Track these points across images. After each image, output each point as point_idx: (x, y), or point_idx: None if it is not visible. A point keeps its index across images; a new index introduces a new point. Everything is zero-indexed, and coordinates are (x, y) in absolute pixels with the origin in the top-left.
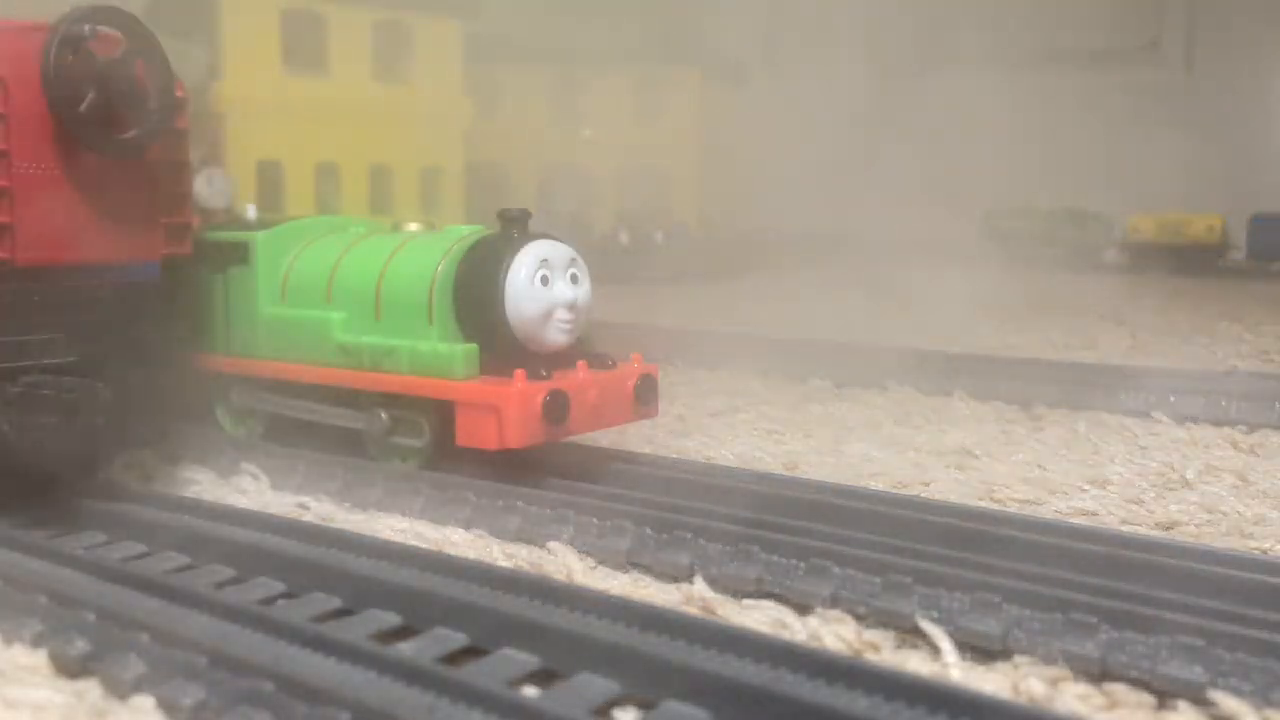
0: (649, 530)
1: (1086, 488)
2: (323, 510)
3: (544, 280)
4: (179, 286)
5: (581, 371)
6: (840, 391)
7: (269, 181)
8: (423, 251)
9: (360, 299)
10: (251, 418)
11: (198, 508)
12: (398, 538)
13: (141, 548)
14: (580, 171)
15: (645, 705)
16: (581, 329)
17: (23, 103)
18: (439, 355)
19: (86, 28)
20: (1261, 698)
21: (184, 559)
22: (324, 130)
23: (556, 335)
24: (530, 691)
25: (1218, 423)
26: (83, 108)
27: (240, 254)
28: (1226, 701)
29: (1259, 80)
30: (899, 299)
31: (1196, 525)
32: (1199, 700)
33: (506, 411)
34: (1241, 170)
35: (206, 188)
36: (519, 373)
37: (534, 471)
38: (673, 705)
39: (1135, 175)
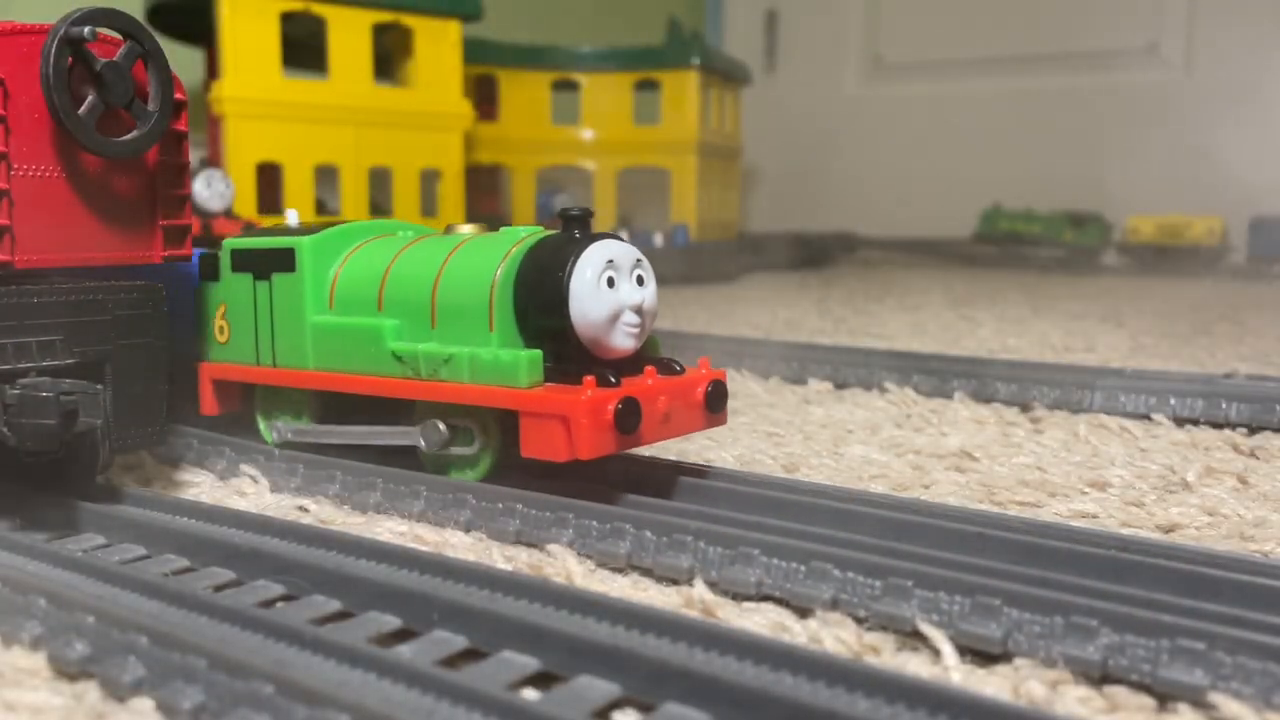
0: (649, 533)
1: (1087, 490)
2: (322, 513)
3: (609, 282)
4: (199, 292)
5: (650, 378)
6: (840, 394)
7: (268, 183)
8: (480, 255)
9: (414, 305)
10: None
11: (197, 510)
12: (397, 540)
13: (141, 550)
14: (580, 172)
15: (645, 708)
16: (648, 333)
17: (22, 105)
18: (501, 363)
19: (86, 30)
20: (1262, 701)
21: (183, 561)
22: (324, 132)
23: (623, 340)
24: (530, 694)
25: (1218, 425)
26: (82, 110)
27: (285, 260)
28: (1227, 705)
29: (1259, 81)
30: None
31: (1197, 528)
32: (1200, 703)
33: (577, 421)
34: (1241, 171)
35: (205, 189)
36: (588, 379)
37: (533, 475)
38: (673, 708)
39: (1135, 176)
